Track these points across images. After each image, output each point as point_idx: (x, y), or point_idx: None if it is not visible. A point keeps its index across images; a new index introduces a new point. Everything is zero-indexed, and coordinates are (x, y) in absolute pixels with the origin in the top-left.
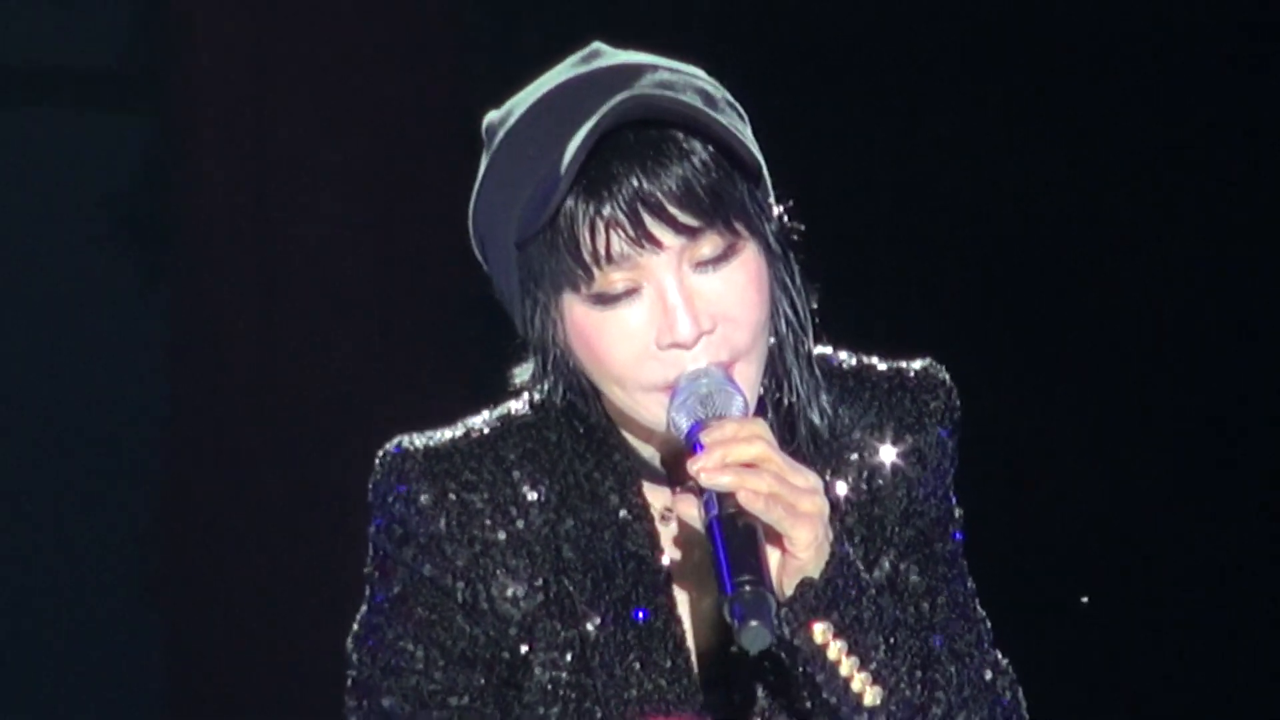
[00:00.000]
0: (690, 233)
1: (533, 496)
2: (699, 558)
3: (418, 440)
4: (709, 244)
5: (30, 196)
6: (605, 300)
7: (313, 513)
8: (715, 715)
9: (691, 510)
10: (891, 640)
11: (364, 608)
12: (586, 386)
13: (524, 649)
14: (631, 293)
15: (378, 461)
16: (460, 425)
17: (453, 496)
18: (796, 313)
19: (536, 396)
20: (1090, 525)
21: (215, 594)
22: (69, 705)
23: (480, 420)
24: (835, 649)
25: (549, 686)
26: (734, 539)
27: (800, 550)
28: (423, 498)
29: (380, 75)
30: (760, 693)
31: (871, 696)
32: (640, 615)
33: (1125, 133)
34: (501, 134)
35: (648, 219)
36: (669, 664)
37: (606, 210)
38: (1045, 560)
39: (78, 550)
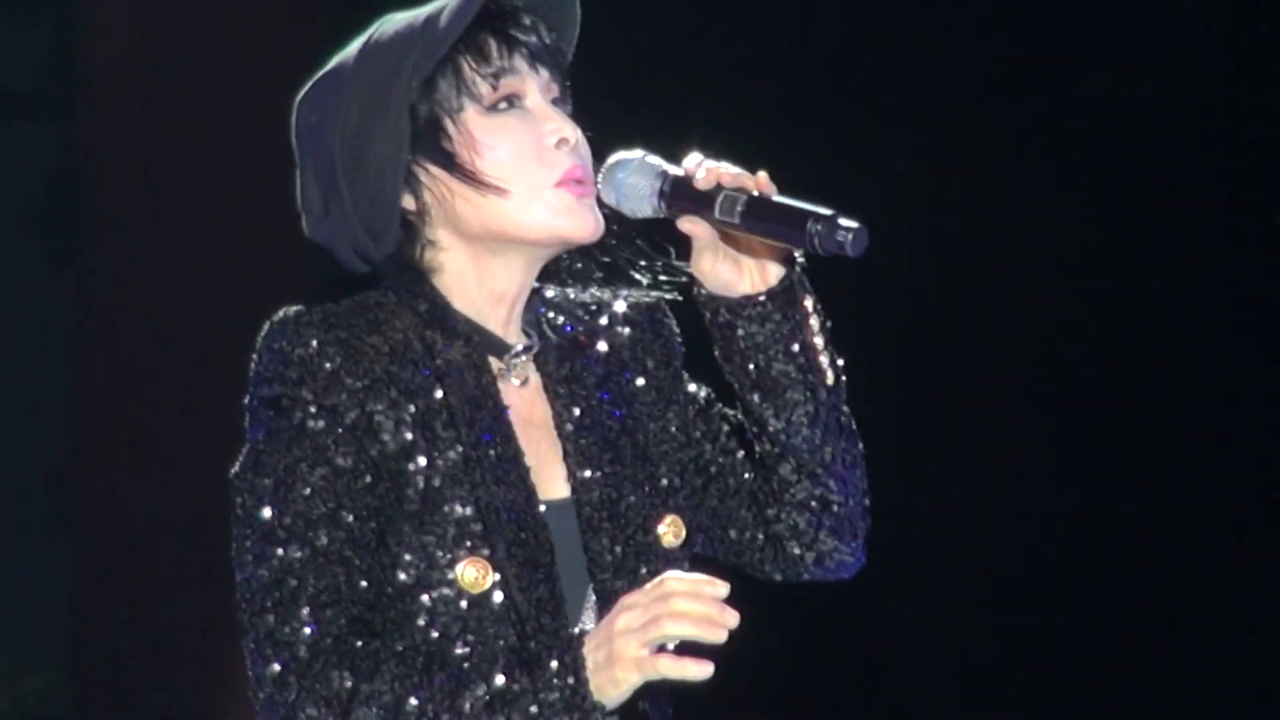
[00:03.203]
0: (561, 69)
1: (401, 348)
2: (524, 411)
3: (301, 308)
4: (559, 88)
5: None
6: (498, 107)
7: (203, 451)
8: (552, 526)
9: (698, 229)
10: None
11: (250, 447)
12: (443, 239)
13: (408, 465)
14: (519, 99)
15: (270, 324)
16: (328, 304)
17: (345, 341)
18: None
19: (376, 293)
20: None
21: (116, 528)
22: None
23: (344, 301)
24: (815, 321)
25: (431, 491)
26: (777, 204)
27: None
28: (315, 341)
29: (257, 93)
30: (600, 534)
31: (831, 376)
32: (493, 444)
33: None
34: (363, 43)
35: (543, 40)
36: (519, 481)
37: (511, 29)
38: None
39: None
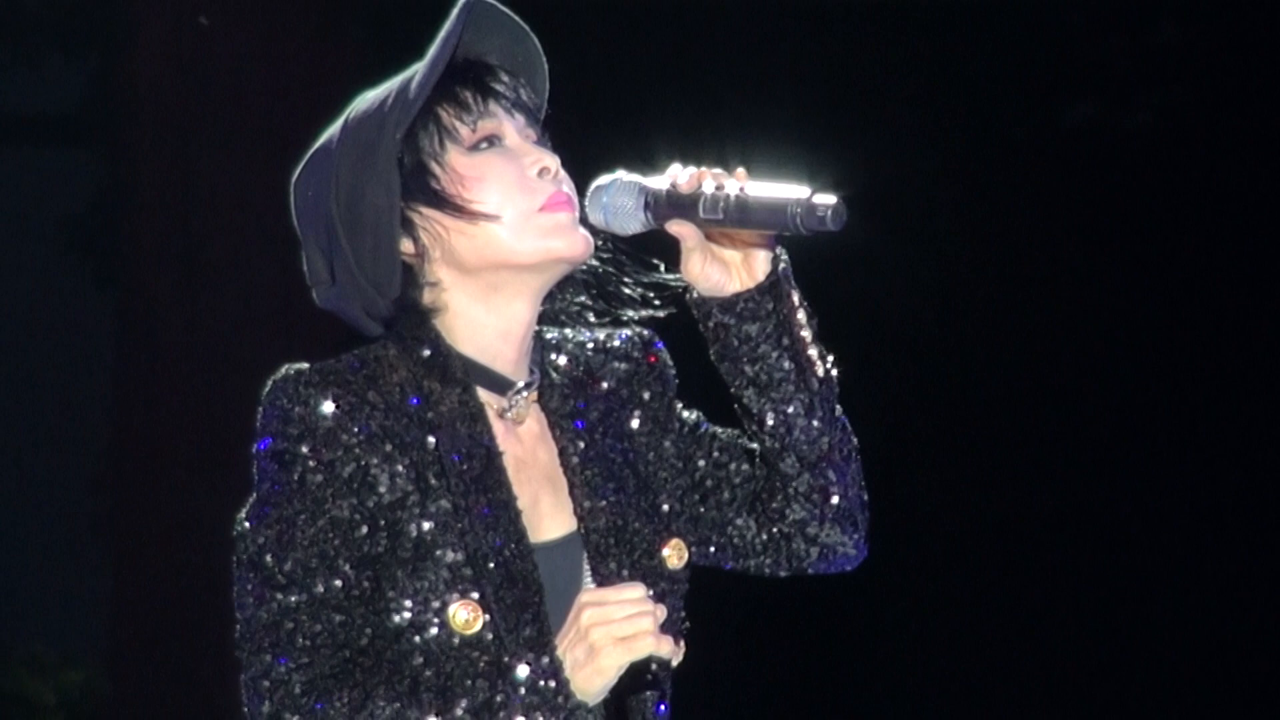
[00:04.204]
0: (536, 117)
1: (399, 400)
2: (520, 453)
3: (303, 365)
4: (536, 133)
5: (6, 217)
6: (479, 146)
7: (234, 458)
8: (538, 559)
9: (686, 230)
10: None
11: (256, 496)
12: (445, 279)
13: (402, 514)
14: (498, 138)
15: (273, 382)
16: (329, 360)
17: (342, 398)
18: None
19: (378, 345)
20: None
21: (153, 532)
22: (25, 620)
23: (344, 356)
24: (802, 315)
25: (424, 539)
26: (758, 194)
27: (764, 239)
28: (314, 400)
29: (292, 119)
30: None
31: (821, 368)
32: (484, 490)
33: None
34: (344, 118)
35: (516, 89)
36: (509, 525)
37: (486, 79)
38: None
39: (39, 491)
